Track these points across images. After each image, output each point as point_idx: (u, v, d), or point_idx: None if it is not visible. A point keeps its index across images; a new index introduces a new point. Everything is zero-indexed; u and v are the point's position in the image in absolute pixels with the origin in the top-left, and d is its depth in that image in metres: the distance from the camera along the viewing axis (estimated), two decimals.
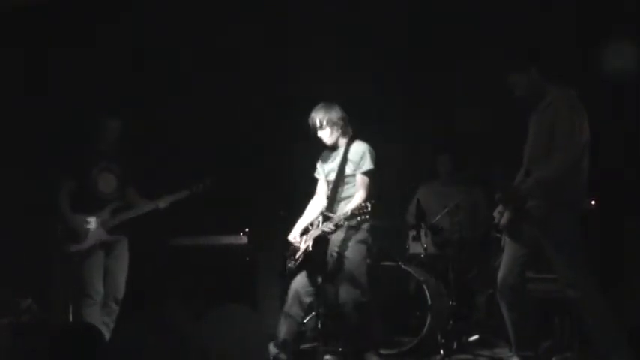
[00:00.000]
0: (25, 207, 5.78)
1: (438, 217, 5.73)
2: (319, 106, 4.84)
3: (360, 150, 4.77)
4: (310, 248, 4.69)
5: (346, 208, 4.64)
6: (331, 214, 4.66)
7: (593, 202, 5.05)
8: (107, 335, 4.88)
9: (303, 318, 4.83)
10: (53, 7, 5.64)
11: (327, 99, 6.16)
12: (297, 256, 4.77)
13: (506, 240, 4.42)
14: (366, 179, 4.72)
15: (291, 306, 4.71)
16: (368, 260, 4.94)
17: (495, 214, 4.46)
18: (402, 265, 5.43)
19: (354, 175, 4.75)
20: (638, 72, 5.25)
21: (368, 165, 4.73)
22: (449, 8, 5.95)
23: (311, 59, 6.24)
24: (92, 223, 5.00)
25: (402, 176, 6.35)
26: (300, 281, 4.74)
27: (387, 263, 5.54)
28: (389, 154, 6.31)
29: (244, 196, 6.06)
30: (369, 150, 4.78)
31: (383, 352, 5.03)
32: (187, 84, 6.19)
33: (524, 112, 4.42)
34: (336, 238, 4.71)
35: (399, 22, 6.09)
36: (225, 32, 6.12)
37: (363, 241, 4.74)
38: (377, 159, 4.81)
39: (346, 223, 4.65)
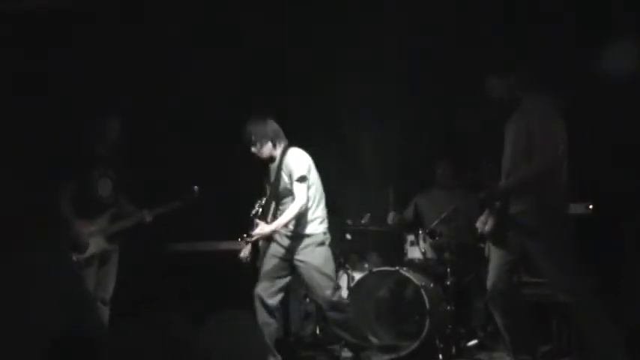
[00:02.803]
0: (25, 209, 5.75)
1: (436, 222, 5.74)
2: (249, 121, 4.80)
3: (291, 158, 4.76)
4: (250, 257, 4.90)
5: (282, 218, 4.69)
6: (257, 220, 4.75)
7: (590, 207, 5.07)
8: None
9: (275, 320, 4.82)
10: (53, 7, 5.64)
11: (326, 100, 6.20)
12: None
13: (491, 248, 4.39)
14: (298, 186, 4.69)
15: (260, 313, 4.74)
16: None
17: (478, 223, 4.43)
18: (400, 271, 5.44)
19: (291, 184, 4.74)
20: (634, 74, 5.26)
21: (299, 172, 4.70)
22: (448, 11, 5.96)
23: (309, 61, 6.25)
24: (93, 230, 4.97)
25: (400, 181, 6.37)
26: (260, 286, 4.79)
27: (385, 268, 5.55)
28: (388, 158, 6.37)
29: (242, 201, 6.06)
30: (301, 156, 4.78)
31: (382, 356, 5.05)
32: (183, 87, 6.19)
33: None
34: (294, 247, 4.77)
35: (399, 25, 6.10)
36: (224, 36, 6.13)
37: (320, 244, 4.78)
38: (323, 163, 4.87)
39: (296, 231, 4.74)
